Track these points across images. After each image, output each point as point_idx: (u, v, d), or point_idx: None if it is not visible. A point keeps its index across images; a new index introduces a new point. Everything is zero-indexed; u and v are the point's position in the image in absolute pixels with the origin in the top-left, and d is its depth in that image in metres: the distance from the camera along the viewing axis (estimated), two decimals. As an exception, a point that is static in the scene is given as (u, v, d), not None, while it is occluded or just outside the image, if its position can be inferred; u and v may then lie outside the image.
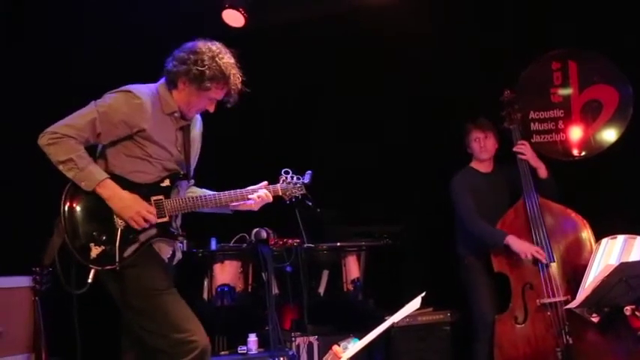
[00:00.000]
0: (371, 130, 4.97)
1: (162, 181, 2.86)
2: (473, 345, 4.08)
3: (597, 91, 4.59)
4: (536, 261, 3.85)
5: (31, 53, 4.41)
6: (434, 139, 4.75)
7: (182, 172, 2.94)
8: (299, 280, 4.06)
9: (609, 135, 4.57)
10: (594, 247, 3.65)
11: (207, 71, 2.81)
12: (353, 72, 4.96)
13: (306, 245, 4.16)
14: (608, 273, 2.95)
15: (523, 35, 4.66)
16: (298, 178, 3.09)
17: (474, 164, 4.32)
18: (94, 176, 2.72)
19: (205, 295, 4.07)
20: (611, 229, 3.56)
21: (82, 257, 2.70)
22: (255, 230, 4.02)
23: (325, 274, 4.24)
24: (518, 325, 3.89)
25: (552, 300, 3.80)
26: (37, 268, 3.49)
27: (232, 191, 2.98)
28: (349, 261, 4.31)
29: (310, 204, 3.15)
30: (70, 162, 2.69)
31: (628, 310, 3.00)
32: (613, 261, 3.26)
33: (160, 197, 2.83)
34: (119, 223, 2.75)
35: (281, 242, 4.09)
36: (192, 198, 2.92)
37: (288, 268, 4.07)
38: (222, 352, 4.09)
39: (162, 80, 2.92)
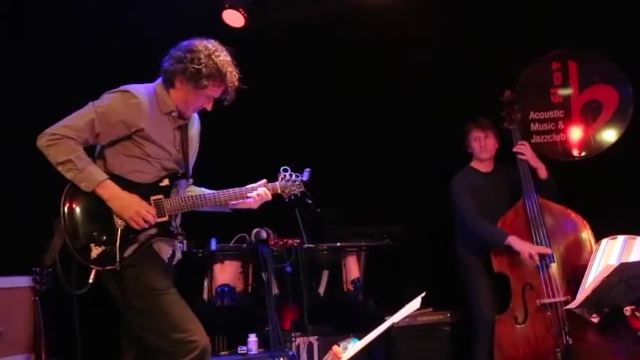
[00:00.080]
0: (371, 130, 4.97)
1: (161, 180, 2.86)
2: (473, 345, 4.08)
3: (597, 92, 4.59)
4: (536, 261, 3.86)
5: (31, 53, 4.40)
6: (434, 139, 4.75)
7: (181, 172, 2.94)
8: (299, 280, 4.07)
9: (609, 135, 4.57)
10: (594, 247, 3.64)
11: (204, 69, 2.80)
12: (353, 72, 4.96)
13: (306, 245, 4.16)
14: (608, 273, 2.95)
15: (523, 35, 4.65)
16: (297, 176, 3.10)
17: (474, 164, 4.32)
18: (93, 177, 2.72)
19: (205, 295, 4.07)
20: (611, 229, 3.56)
21: (82, 258, 2.70)
22: (255, 230, 4.03)
23: (325, 274, 4.24)
24: (518, 326, 3.89)
25: (552, 300, 3.80)
26: (37, 268, 3.48)
27: (231, 190, 2.98)
28: (349, 261, 4.31)
29: (309, 202, 3.15)
30: (69, 163, 2.68)
31: (628, 310, 2.99)
32: (613, 261, 3.25)
33: (160, 197, 2.83)
34: (119, 223, 2.75)
35: (281, 242, 4.09)
36: (192, 197, 2.92)
37: (288, 269, 4.07)
38: (222, 352, 4.08)
39: (160, 79, 2.92)
